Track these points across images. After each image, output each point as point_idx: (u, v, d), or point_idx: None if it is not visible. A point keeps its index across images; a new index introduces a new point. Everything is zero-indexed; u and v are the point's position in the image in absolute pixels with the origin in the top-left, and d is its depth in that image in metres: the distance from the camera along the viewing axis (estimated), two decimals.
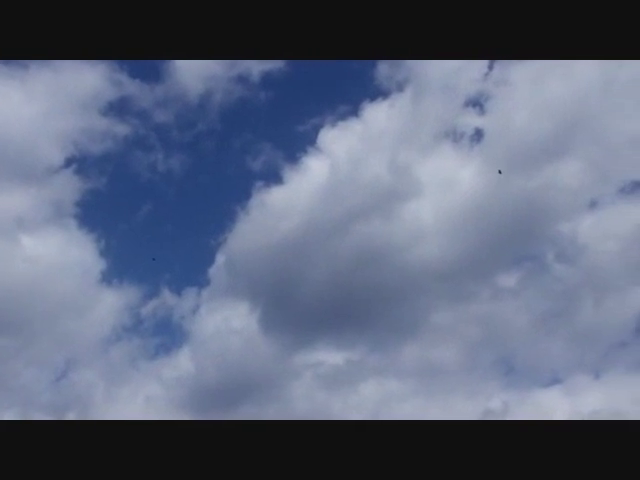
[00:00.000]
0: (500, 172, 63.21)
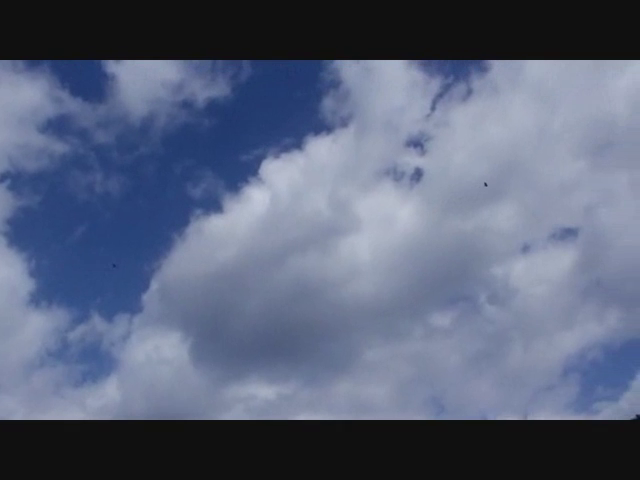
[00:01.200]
0: (486, 185, 62.98)
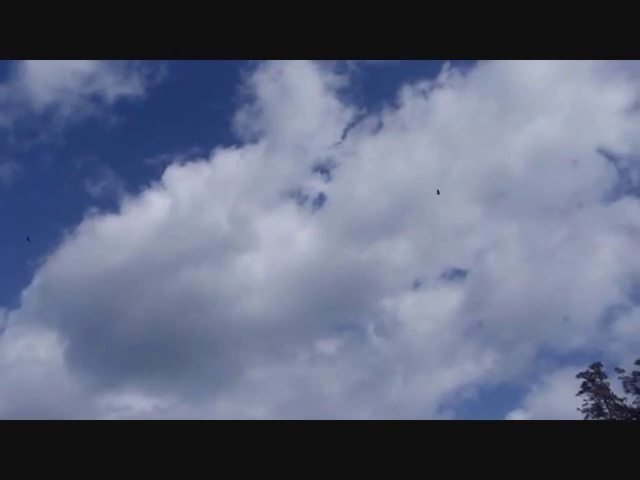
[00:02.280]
0: (438, 192, 62.80)
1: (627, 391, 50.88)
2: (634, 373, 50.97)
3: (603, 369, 52.13)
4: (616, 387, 51.24)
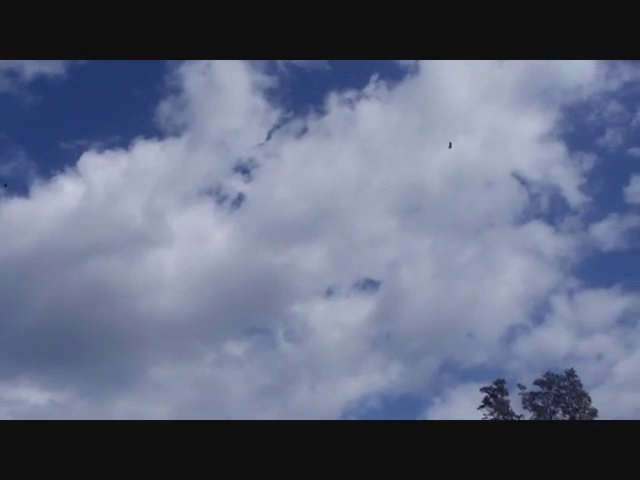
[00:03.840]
0: (450, 145, 63.11)
1: (525, 408, 53.29)
2: (532, 392, 53.53)
3: (505, 386, 54.58)
4: (515, 403, 53.58)
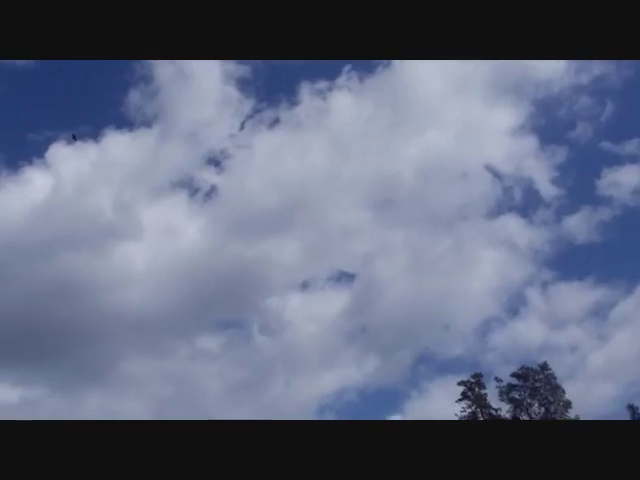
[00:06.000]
0: None
1: (502, 400, 53.49)
2: (509, 385, 53.66)
3: (482, 380, 54.64)
4: (492, 396, 53.68)
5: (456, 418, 52.63)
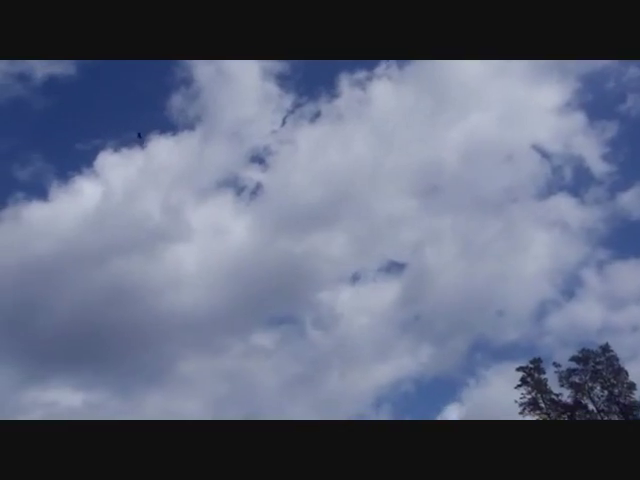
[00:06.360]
0: None
1: (562, 386, 51.94)
2: (568, 369, 52.06)
3: (542, 365, 53.13)
4: (552, 381, 52.18)
5: (516, 405, 51.30)
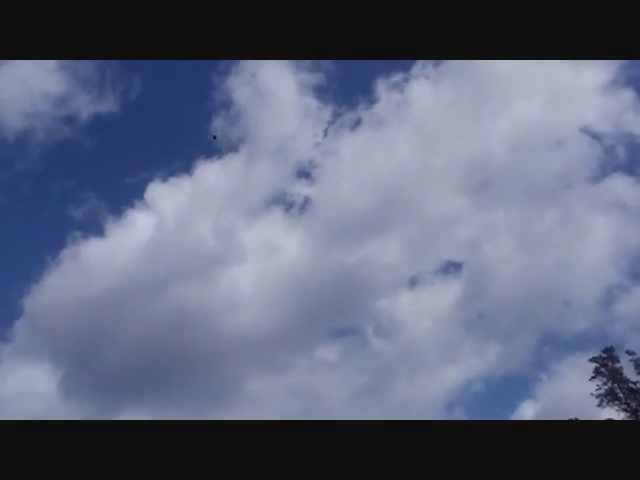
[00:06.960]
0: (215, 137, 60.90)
1: (638, 373, 50.41)
2: None
3: (615, 353, 51.60)
4: (628, 370, 50.80)
5: (593, 397, 49.79)
